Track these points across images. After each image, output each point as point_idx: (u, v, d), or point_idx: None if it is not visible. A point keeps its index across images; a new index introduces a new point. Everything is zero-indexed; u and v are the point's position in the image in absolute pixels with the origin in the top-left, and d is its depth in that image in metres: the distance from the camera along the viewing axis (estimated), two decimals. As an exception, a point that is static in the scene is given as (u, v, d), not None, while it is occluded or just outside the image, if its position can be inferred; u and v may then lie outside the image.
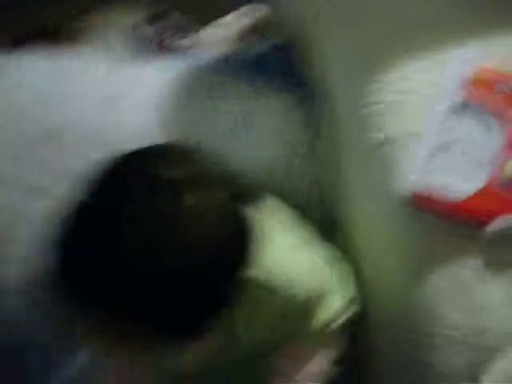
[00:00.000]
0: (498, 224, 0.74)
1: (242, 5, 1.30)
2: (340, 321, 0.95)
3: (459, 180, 0.76)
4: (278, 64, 1.18)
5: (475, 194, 0.75)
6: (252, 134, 1.11)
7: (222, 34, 1.28)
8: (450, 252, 0.76)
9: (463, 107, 0.78)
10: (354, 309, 0.95)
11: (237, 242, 0.71)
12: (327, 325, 0.95)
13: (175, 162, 0.71)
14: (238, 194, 0.74)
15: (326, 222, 1.04)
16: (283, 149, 1.10)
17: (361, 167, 0.91)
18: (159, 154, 0.72)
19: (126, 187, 0.67)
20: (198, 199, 0.67)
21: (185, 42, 1.29)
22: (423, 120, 0.80)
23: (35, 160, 1.06)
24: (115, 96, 1.10)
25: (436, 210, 0.76)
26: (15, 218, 1.04)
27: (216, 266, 0.69)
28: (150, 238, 0.65)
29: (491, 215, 0.74)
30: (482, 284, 0.75)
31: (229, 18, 1.32)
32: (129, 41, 1.25)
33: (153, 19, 1.28)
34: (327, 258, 0.94)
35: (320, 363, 0.98)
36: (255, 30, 1.27)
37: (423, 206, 0.76)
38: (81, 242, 0.68)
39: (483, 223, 0.74)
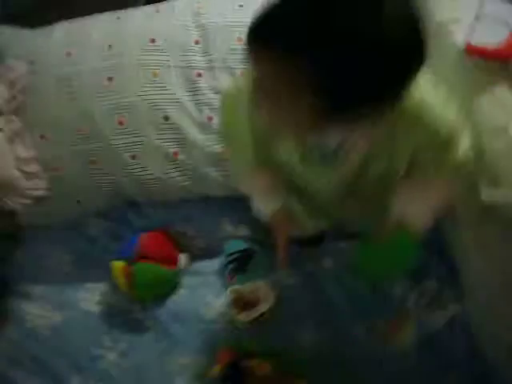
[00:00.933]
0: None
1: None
2: (466, 164, 1.08)
3: (492, 35, 1.23)
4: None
5: (502, 44, 1.20)
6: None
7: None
8: (490, 78, 1.22)
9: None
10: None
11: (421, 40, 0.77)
12: (457, 163, 1.06)
13: None
14: None
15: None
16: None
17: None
18: None
19: None
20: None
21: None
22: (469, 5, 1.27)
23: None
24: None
25: (479, 53, 1.22)
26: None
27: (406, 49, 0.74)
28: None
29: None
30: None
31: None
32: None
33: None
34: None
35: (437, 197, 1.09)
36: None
37: (472, 51, 1.22)
38: None
39: (508, 60, 1.20)
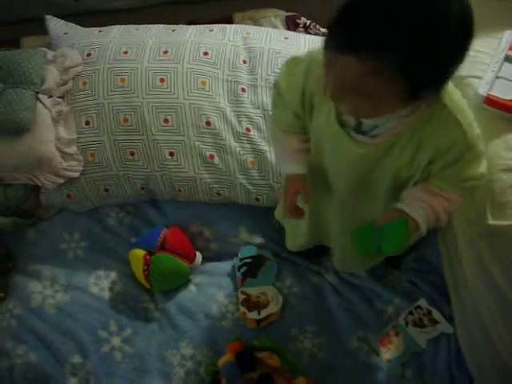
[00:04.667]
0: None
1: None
2: (481, 183, 1.13)
3: (505, 91, 1.48)
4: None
5: (514, 98, 1.46)
6: None
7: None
8: (503, 128, 1.46)
9: (509, 58, 1.52)
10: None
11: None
12: (476, 178, 1.11)
13: None
14: None
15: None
16: None
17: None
18: None
19: None
20: None
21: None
22: (490, 64, 1.52)
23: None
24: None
25: (495, 104, 1.46)
26: None
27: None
28: None
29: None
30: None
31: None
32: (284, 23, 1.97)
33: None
34: None
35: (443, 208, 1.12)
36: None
37: (491, 103, 1.47)
38: None
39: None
